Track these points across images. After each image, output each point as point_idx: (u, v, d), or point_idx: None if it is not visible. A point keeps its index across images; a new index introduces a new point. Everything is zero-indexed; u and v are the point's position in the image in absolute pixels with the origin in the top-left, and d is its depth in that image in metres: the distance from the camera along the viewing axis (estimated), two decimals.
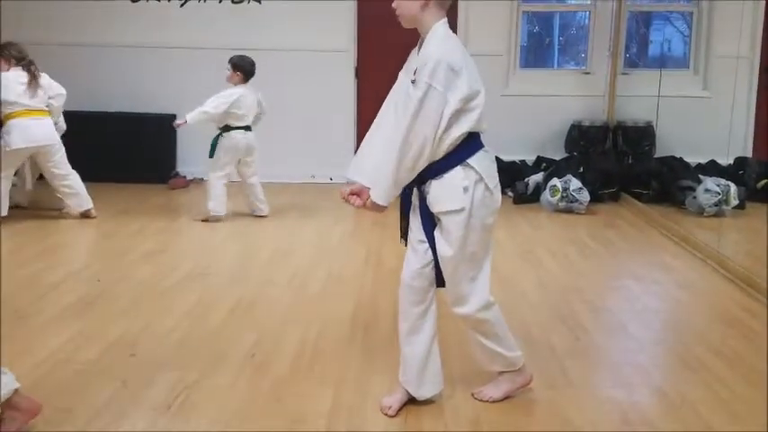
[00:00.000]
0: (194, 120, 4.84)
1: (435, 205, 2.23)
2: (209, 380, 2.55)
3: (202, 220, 4.98)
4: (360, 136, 6.74)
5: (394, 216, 5.08)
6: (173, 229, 4.86)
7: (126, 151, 6.26)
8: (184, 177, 6.46)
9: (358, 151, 2.40)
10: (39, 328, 3.01)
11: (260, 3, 6.48)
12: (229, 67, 4.92)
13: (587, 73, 6.74)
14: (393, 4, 2.23)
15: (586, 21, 7.01)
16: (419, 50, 2.23)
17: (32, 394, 2.36)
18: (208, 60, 5.88)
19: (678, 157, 6.17)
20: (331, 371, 2.65)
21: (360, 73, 6.61)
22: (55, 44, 6.12)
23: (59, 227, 4.86)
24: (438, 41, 2.16)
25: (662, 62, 6.94)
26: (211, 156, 4.98)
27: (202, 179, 6.56)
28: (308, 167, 6.57)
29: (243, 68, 4.91)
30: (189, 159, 6.61)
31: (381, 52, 6.60)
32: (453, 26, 7.13)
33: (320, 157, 6.42)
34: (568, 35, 7.80)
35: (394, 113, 2.27)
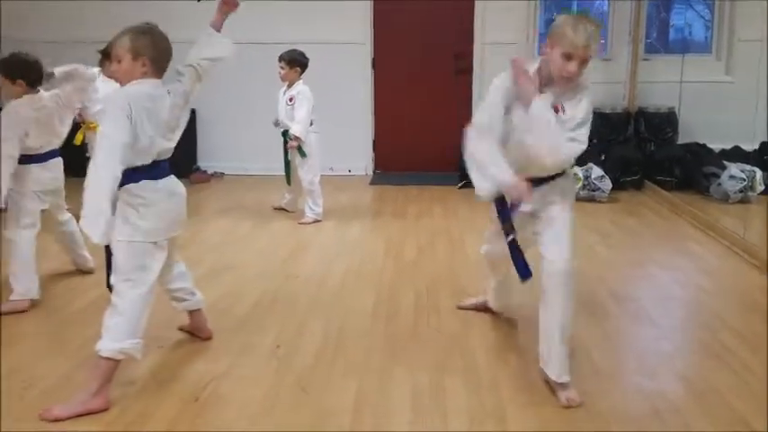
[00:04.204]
0: (304, 132, 4.72)
1: None
2: (236, 371, 2.58)
3: (309, 223, 4.84)
4: (377, 127, 6.76)
5: (413, 208, 5.07)
6: (196, 224, 4.90)
7: None
8: (205, 172, 6.51)
9: None
10: (70, 320, 3.07)
11: None
12: (283, 64, 4.79)
13: (607, 59, 6.67)
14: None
15: (605, 7, 6.93)
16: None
17: (66, 386, 2.42)
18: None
19: (702, 143, 6.08)
20: (354, 363, 2.67)
21: (377, 64, 6.60)
22: (72, 41, 6.18)
23: None
24: None
25: (683, 47, 6.84)
26: (303, 156, 4.83)
27: (222, 174, 6.63)
28: (327, 159, 6.52)
29: (302, 63, 4.80)
30: (209, 154, 6.66)
31: (398, 44, 6.61)
32: (471, 14, 7.10)
33: (338, 149, 6.41)
34: None
35: None
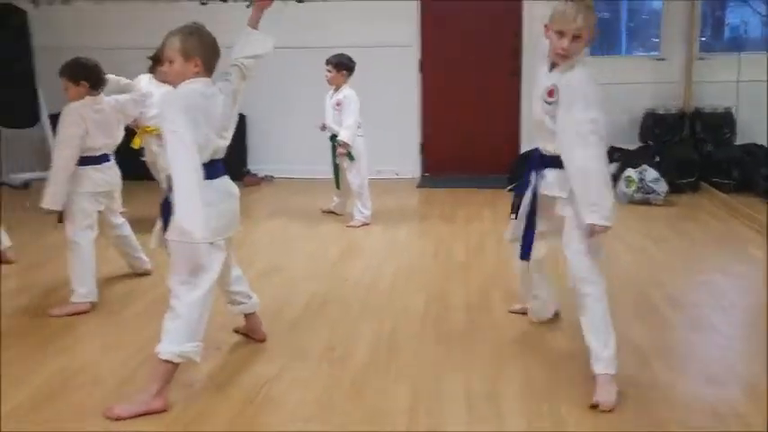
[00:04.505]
0: (352, 138, 4.75)
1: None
2: (290, 374, 2.60)
3: (357, 226, 4.81)
4: (424, 130, 6.73)
5: (462, 211, 5.03)
6: (246, 227, 4.93)
7: None
8: (255, 175, 6.59)
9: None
10: (128, 323, 3.13)
11: (325, 1, 6.53)
12: (330, 68, 4.81)
13: (661, 59, 6.51)
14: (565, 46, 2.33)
15: (657, 5, 6.78)
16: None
17: (122, 387, 2.47)
18: (274, 60, 5.93)
19: (760, 144, 5.88)
20: (407, 366, 2.66)
21: (424, 66, 6.58)
22: (125, 48, 6.33)
23: None
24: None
25: (739, 46, 6.63)
26: (351, 159, 4.83)
27: (272, 177, 6.70)
28: (374, 163, 6.53)
29: (349, 66, 4.82)
30: (258, 158, 6.74)
31: (446, 45, 6.57)
32: (519, 13, 6.99)
33: (385, 152, 6.39)
34: (638, 20, 7.55)
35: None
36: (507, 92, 6.47)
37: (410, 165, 6.71)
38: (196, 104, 2.31)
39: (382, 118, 6.38)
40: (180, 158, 2.25)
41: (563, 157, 2.38)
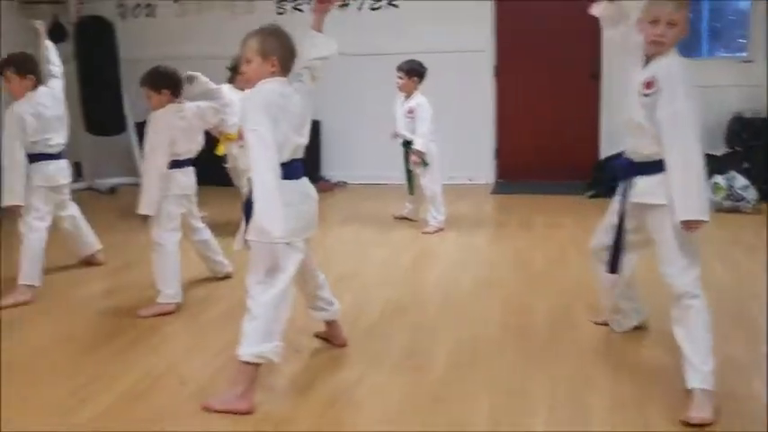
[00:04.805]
0: (426, 146, 4.74)
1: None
2: (370, 379, 2.59)
3: (432, 232, 4.77)
4: (499, 136, 6.64)
5: (540, 218, 4.91)
6: (321, 232, 4.96)
7: None
8: (329, 181, 6.66)
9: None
10: (210, 325, 3.21)
11: (397, 7, 6.56)
12: (401, 74, 4.80)
13: (748, 61, 6.22)
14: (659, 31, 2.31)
15: (744, 5, 6.48)
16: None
17: (210, 386, 2.52)
18: (349, 66, 6.01)
19: None
20: (488, 374, 2.61)
21: (499, 71, 6.50)
22: (200, 57, 6.52)
23: None
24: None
25: None
26: (425, 165, 4.81)
27: (345, 183, 6.76)
28: (447, 169, 6.48)
29: (420, 73, 4.80)
30: (331, 164, 6.81)
31: (521, 49, 6.47)
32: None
33: (459, 157, 6.35)
34: (722, 21, 7.23)
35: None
36: (587, 95, 6.32)
37: (484, 170, 6.64)
38: (275, 102, 2.35)
39: (455, 123, 6.34)
40: (260, 157, 2.28)
41: (663, 148, 2.29)
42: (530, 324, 3.10)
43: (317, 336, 2.94)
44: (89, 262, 4.12)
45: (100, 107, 4.44)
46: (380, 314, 3.28)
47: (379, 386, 2.54)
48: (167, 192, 3.36)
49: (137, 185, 6.29)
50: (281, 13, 6.71)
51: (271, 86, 2.39)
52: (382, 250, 4.49)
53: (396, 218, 5.23)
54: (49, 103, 3.65)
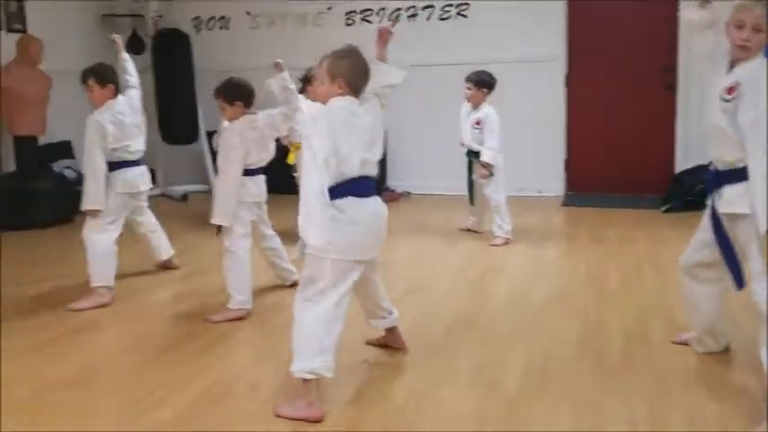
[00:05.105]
0: (494, 158, 4.68)
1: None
2: (439, 392, 2.54)
3: (500, 245, 4.70)
4: (570, 147, 6.49)
5: (612, 232, 4.76)
6: (387, 243, 4.96)
7: None
8: (394, 191, 6.66)
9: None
10: (279, 333, 3.19)
11: (466, 17, 6.52)
12: (470, 85, 4.75)
13: None
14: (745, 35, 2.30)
15: None
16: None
17: (280, 393, 2.52)
18: (419, 77, 5.98)
19: None
20: (563, 391, 2.52)
21: (570, 81, 6.37)
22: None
23: None
24: None
25: None
26: (491, 175, 4.74)
27: (409, 193, 6.74)
28: (515, 180, 6.38)
29: (489, 84, 4.74)
30: (396, 174, 6.81)
31: (595, 59, 6.31)
32: (675, 23, 6.51)
33: (528, 169, 6.25)
34: None
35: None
36: (662, 106, 6.13)
37: (553, 182, 6.50)
38: (341, 118, 2.38)
39: (524, 134, 6.24)
40: (309, 174, 2.31)
41: (747, 154, 2.20)
42: (605, 340, 2.99)
43: (370, 343, 2.93)
44: (166, 266, 4.23)
45: (175, 116, 4.59)
46: (448, 328, 3.22)
47: (449, 399, 2.49)
48: (239, 199, 3.41)
49: (207, 193, 6.51)
50: (349, 25, 6.78)
51: (339, 104, 2.42)
52: (449, 262, 4.45)
53: (460, 229, 5.17)
54: (128, 112, 3.79)
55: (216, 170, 3.65)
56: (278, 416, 2.35)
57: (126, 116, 3.76)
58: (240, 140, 3.38)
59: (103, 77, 3.72)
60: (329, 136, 2.33)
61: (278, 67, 3.42)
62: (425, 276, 4.12)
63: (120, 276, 3.77)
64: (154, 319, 3.46)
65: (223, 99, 3.46)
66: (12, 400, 2.52)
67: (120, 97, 3.79)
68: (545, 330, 3.14)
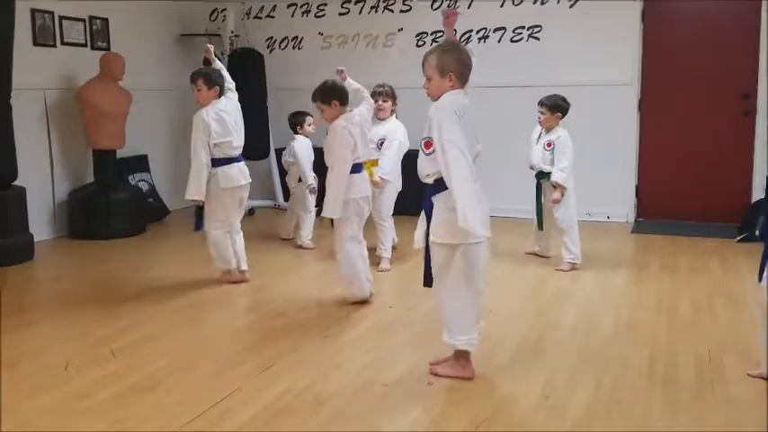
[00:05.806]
0: (567, 180, 4.63)
1: None
2: (505, 417, 2.52)
3: (567, 270, 4.64)
4: (641, 173, 6.33)
5: (684, 261, 4.62)
6: None
7: None
8: None
9: None
10: (347, 346, 3.27)
11: (539, 40, 6.48)
12: (544, 109, 4.71)
13: None
14: None
15: None
16: None
17: (344, 409, 2.56)
18: (490, 99, 5.98)
19: None
20: (633, 421, 2.47)
21: (643, 105, 6.24)
22: None
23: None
24: None
25: None
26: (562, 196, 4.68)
27: None
28: (585, 205, 6.26)
29: (563, 108, 4.70)
30: None
31: (669, 84, 6.17)
32: (755, 47, 6.36)
33: (597, 194, 6.13)
34: None
35: None
36: (739, 133, 5.92)
37: (623, 208, 6.35)
38: (461, 110, 2.54)
39: (595, 158, 6.12)
40: (458, 163, 2.48)
41: None
42: (676, 373, 2.90)
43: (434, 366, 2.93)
44: (240, 279, 4.30)
45: (249, 133, 4.71)
46: (516, 351, 3.19)
47: (516, 423, 2.46)
48: (349, 195, 3.63)
49: (274, 208, 6.64)
50: (420, 46, 6.83)
51: (455, 97, 2.58)
52: (515, 286, 4.38)
53: (527, 253, 5.11)
54: (230, 110, 4.16)
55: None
56: (435, 374, 2.76)
57: (228, 114, 4.12)
58: (347, 135, 3.63)
59: (211, 79, 4.08)
60: (459, 128, 2.50)
61: (341, 74, 3.67)
62: (492, 300, 4.06)
63: (191, 287, 3.89)
64: (223, 330, 3.55)
65: (321, 101, 3.72)
66: (98, 401, 2.65)
67: (222, 98, 4.15)
68: (614, 359, 3.07)
